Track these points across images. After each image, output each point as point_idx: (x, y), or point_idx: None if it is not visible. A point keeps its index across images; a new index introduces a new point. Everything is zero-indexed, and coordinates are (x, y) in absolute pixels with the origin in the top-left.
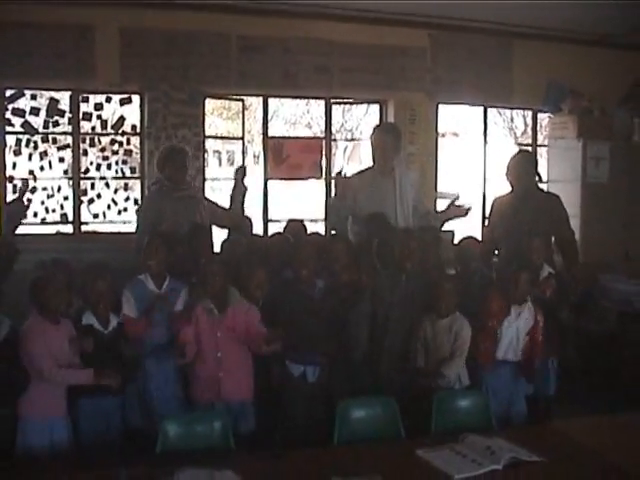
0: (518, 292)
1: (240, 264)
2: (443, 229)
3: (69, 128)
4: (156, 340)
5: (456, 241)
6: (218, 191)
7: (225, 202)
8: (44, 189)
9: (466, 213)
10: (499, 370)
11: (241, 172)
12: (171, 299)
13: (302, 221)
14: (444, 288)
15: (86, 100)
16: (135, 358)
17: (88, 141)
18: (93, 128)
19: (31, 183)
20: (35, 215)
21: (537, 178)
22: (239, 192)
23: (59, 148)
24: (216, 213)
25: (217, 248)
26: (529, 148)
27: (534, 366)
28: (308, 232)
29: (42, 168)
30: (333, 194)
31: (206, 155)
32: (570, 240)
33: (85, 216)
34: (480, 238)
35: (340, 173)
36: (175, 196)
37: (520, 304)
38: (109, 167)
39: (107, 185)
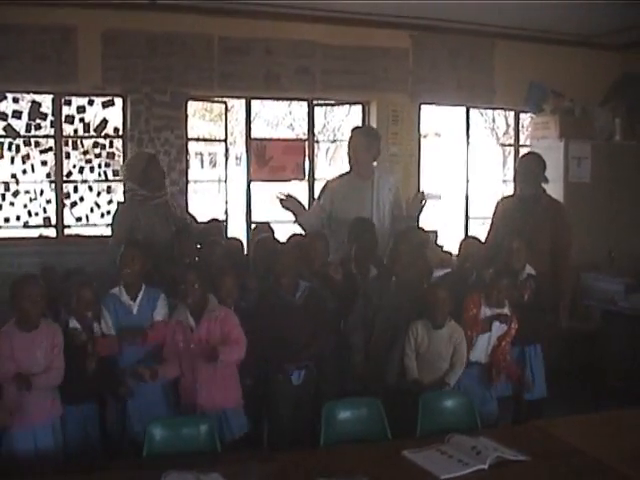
0: (499, 298)
1: (211, 270)
2: (428, 230)
3: (51, 131)
4: (134, 356)
5: (440, 241)
6: (200, 193)
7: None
8: (27, 192)
9: (423, 199)
10: (471, 371)
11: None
12: (145, 311)
13: (269, 223)
14: (439, 297)
15: (68, 103)
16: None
17: (71, 144)
18: (75, 131)
19: (13, 187)
20: (18, 219)
21: (544, 180)
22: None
23: (41, 151)
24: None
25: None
26: (511, 148)
27: (497, 369)
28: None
29: (24, 172)
30: (293, 215)
31: (188, 157)
32: (563, 250)
33: (68, 219)
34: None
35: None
36: (151, 204)
37: (499, 308)
38: (92, 170)
39: (90, 188)
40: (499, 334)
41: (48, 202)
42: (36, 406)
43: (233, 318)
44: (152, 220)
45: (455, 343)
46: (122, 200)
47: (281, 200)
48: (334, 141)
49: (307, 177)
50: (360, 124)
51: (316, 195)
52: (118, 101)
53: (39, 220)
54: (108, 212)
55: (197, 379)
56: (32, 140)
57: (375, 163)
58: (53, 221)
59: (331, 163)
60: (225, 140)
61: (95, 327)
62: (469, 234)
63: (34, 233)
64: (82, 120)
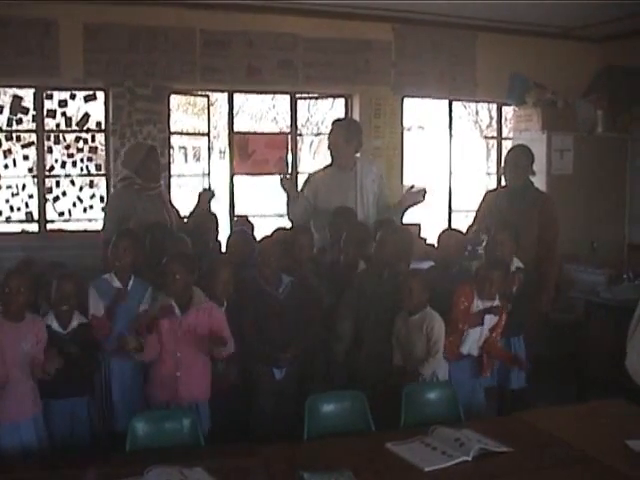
0: (491, 291)
1: (204, 263)
2: (411, 222)
3: (33, 125)
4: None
5: (424, 234)
6: (184, 187)
7: (190, 201)
8: (8, 187)
9: (423, 197)
10: (462, 363)
11: (208, 195)
12: (135, 297)
13: (247, 217)
14: (410, 284)
15: (50, 97)
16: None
17: (53, 138)
18: (57, 125)
19: None
20: (0, 214)
21: (531, 173)
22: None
23: (23, 146)
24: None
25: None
26: (494, 141)
27: (489, 361)
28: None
29: (6, 166)
30: (287, 196)
31: (172, 151)
32: (548, 243)
33: (50, 214)
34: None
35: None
36: (146, 195)
37: (490, 300)
38: (74, 164)
39: (72, 183)
40: (490, 325)
41: (30, 197)
42: (17, 400)
43: (221, 314)
44: (148, 210)
45: (427, 329)
46: (115, 188)
47: (281, 179)
48: (318, 134)
49: (290, 171)
50: (335, 118)
51: (299, 188)
52: (100, 95)
53: (21, 215)
54: (91, 207)
55: (180, 368)
56: (14, 135)
57: (358, 155)
58: (35, 216)
59: (315, 156)
60: (208, 134)
61: (73, 319)
62: (450, 226)
63: (16, 228)
64: (64, 114)
